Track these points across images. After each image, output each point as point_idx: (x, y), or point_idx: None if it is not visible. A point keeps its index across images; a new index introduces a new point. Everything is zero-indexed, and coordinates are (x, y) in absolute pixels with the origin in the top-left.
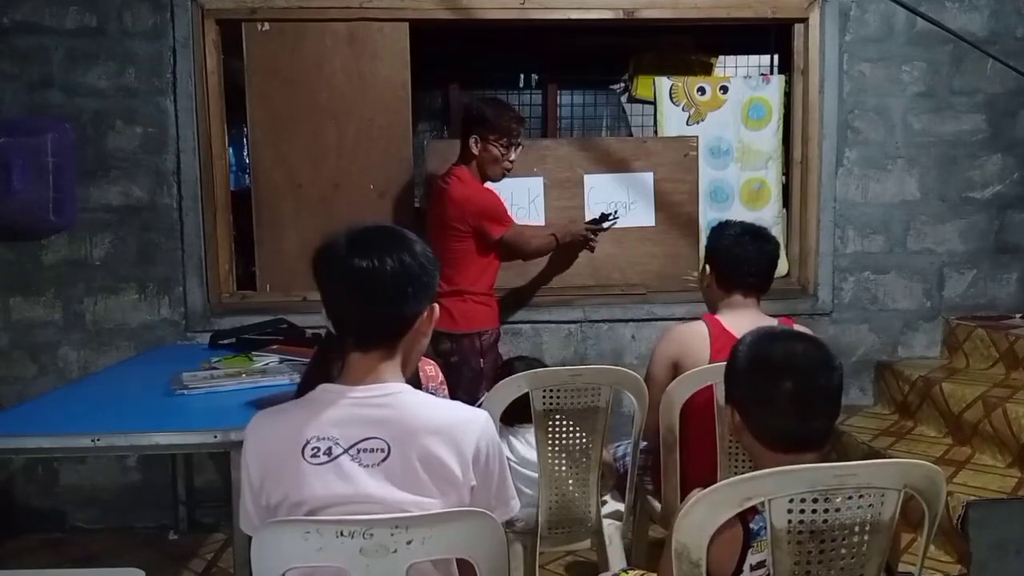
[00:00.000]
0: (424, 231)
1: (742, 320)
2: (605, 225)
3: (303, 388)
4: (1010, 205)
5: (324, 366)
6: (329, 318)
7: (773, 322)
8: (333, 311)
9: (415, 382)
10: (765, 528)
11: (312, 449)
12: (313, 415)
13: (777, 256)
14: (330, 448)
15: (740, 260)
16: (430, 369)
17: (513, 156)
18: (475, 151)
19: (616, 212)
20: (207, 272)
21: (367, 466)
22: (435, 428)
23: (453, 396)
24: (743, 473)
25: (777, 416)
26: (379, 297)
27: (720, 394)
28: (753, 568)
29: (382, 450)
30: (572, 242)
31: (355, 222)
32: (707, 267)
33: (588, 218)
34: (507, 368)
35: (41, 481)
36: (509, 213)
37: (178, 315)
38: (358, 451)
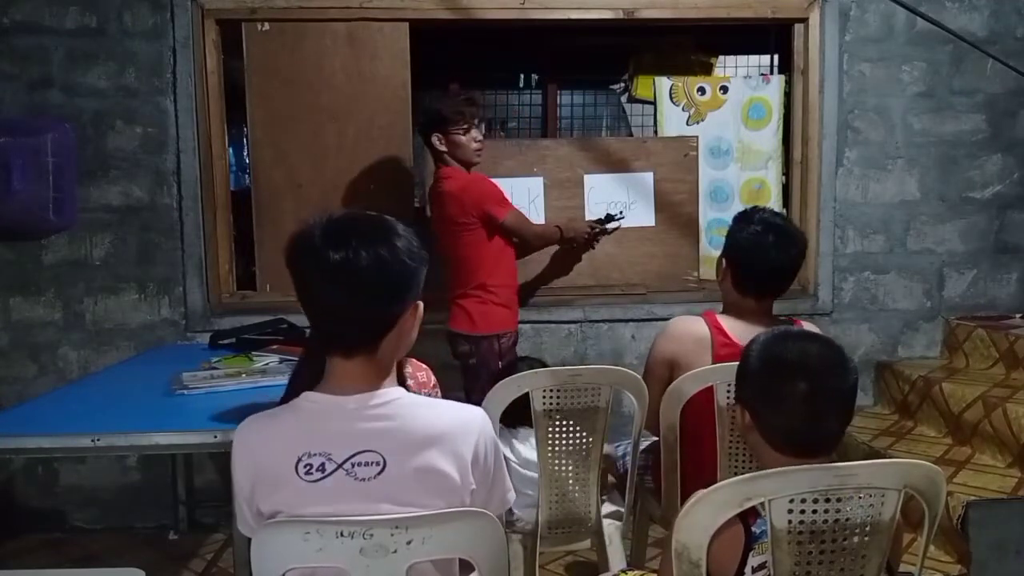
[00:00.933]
0: (425, 231)
1: (748, 326)
2: (610, 227)
3: (293, 390)
4: (1010, 205)
5: (314, 367)
6: (305, 314)
7: (805, 329)
8: (307, 307)
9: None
10: (767, 531)
11: (305, 466)
12: (304, 429)
13: (803, 257)
14: (323, 464)
15: (759, 264)
16: (422, 375)
17: (478, 136)
18: (442, 148)
19: (621, 212)
20: (207, 272)
21: (362, 480)
22: (433, 438)
23: (469, 398)
24: (743, 473)
25: (787, 416)
26: (355, 292)
27: (720, 394)
28: (755, 570)
29: (377, 463)
30: (576, 239)
31: (336, 210)
32: (724, 262)
33: (593, 218)
34: (510, 370)
35: (41, 481)
36: (508, 199)
37: (178, 315)
38: (352, 465)
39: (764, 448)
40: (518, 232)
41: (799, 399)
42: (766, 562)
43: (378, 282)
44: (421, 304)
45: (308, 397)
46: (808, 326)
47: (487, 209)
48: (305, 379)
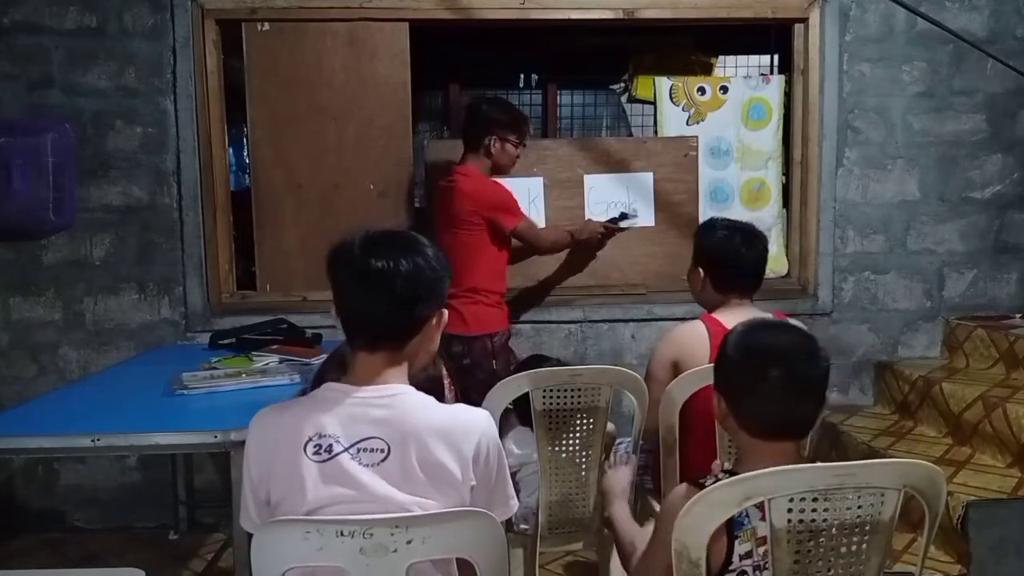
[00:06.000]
0: (428, 232)
1: (740, 317)
2: (623, 224)
3: (316, 384)
4: (1010, 205)
5: (340, 363)
6: (339, 317)
7: (770, 316)
8: (344, 310)
9: (438, 385)
10: (748, 518)
11: (314, 446)
12: (315, 413)
13: (767, 251)
14: (331, 446)
15: (734, 264)
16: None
17: (519, 153)
18: (493, 151)
19: (635, 210)
20: (207, 272)
21: (367, 465)
22: (436, 430)
23: (467, 398)
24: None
25: (764, 403)
26: (391, 298)
27: None
28: (742, 558)
29: (382, 450)
30: (590, 240)
31: (370, 224)
32: (700, 270)
33: (604, 218)
34: (529, 365)
35: (41, 481)
36: (520, 207)
37: (178, 315)
38: (358, 450)
39: (741, 434)
40: (528, 240)
41: (774, 386)
42: (751, 549)
43: (414, 288)
44: (446, 312)
45: (329, 387)
46: (795, 323)
47: (496, 216)
48: (330, 377)
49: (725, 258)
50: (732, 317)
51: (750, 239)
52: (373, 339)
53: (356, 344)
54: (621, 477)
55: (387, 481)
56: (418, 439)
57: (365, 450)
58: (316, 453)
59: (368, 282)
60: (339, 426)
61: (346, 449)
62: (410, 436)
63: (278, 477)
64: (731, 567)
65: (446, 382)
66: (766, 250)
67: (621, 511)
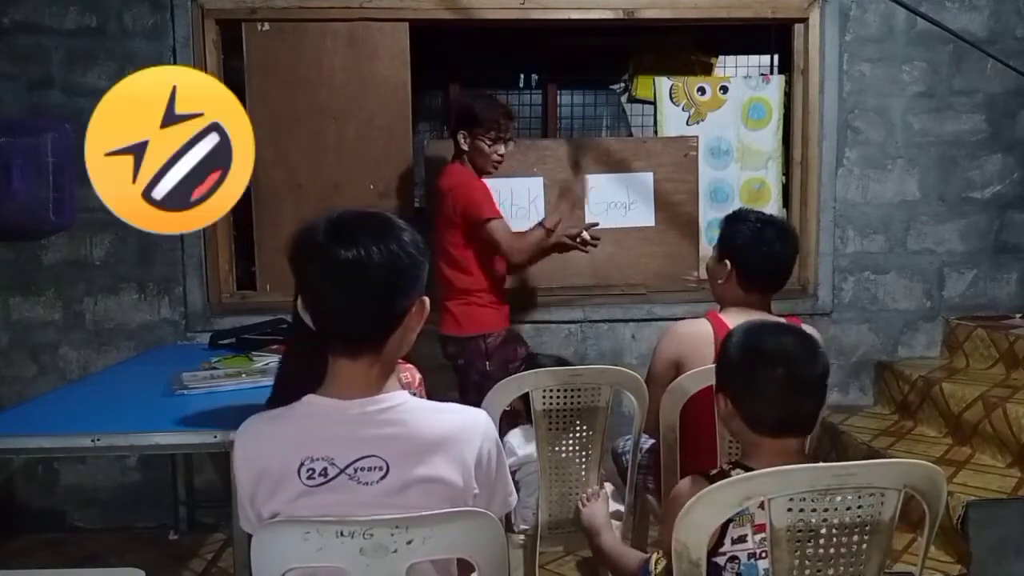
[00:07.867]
0: (425, 230)
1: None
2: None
3: (285, 389)
4: (1010, 205)
5: (306, 364)
6: (308, 314)
7: (780, 321)
8: (313, 307)
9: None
10: (748, 506)
11: (307, 471)
12: (307, 433)
13: (797, 249)
14: (326, 469)
15: (766, 258)
16: (406, 376)
17: (502, 149)
18: (464, 147)
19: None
20: (207, 272)
21: (365, 484)
22: (437, 443)
23: (464, 398)
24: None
25: (767, 402)
26: (366, 291)
27: None
28: (734, 542)
29: (380, 468)
30: (566, 244)
31: (335, 208)
32: (727, 262)
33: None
34: (531, 364)
35: (41, 481)
36: (496, 207)
37: (178, 315)
38: (355, 470)
39: (746, 432)
40: (495, 243)
41: (778, 387)
42: (747, 535)
43: (390, 278)
44: (427, 300)
45: (311, 401)
46: (808, 328)
47: (468, 211)
48: (296, 378)
49: (755, 251)
50: (742, 320)
51: (783, 234)
52: (352, 343)
53: (334, 349)
54: (599, 510)
55: (387, 499)
56: (417, 454)
57: (363, 469)
58: (310, 477)
59: (338, 276)
60: (334, 447)
61: (342, 471)
62: (409, 451)
63: (270, 498)
64: (721, 550)
65: (410, 391)
66: (796, 247)
67: (609, 539)
